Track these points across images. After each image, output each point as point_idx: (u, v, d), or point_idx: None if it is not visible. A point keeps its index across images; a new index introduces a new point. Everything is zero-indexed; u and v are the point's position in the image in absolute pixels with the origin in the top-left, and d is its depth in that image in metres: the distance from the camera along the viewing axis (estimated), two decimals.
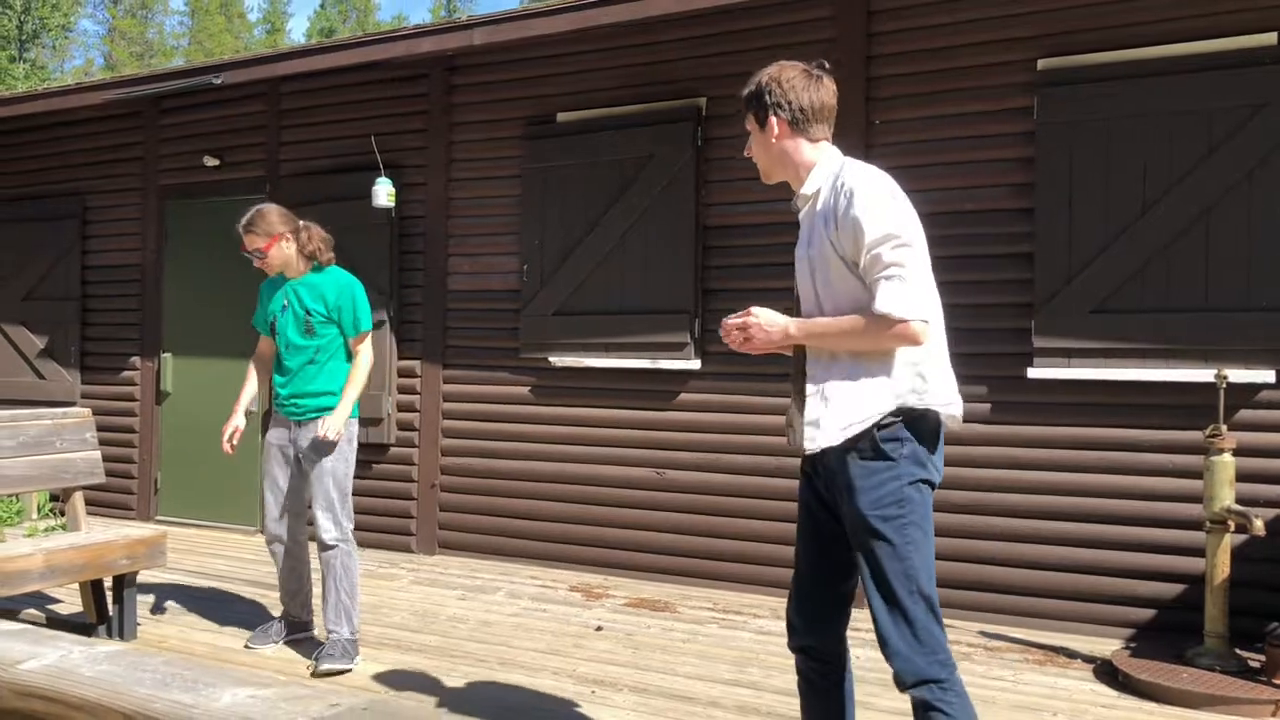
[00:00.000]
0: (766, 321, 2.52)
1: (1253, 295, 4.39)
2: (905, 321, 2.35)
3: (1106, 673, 4.09)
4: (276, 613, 4.63)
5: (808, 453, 2.49)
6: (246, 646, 4.38)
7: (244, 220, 4.32)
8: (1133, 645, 4.39)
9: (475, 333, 6.29)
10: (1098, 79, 4.66)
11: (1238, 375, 4.34)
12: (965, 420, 4.76)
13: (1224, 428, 4.01)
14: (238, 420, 4.40)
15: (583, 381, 5.93)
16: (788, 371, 2.67)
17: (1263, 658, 3.92)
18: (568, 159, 5.94)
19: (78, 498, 4.67)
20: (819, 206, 2.55)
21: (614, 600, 5.26)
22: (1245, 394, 4.42)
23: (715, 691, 3.87)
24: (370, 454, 6.34)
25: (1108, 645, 4.44)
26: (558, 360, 5.94)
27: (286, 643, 4.44)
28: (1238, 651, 3.99)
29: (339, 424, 4.20)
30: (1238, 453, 4.01)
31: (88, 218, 7.80)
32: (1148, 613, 4.57)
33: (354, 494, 4.41)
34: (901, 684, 2.42)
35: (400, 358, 6.47)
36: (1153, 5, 4.63)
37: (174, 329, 7.40)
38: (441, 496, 6.35)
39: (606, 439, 5.84)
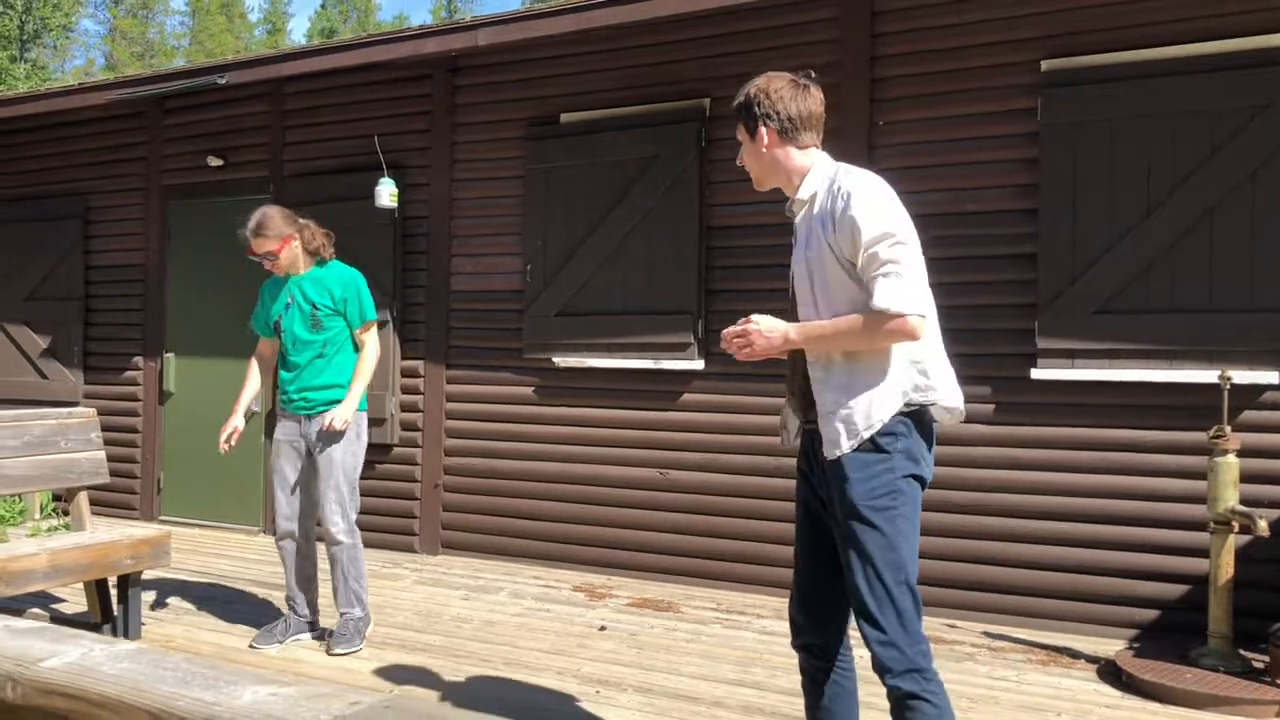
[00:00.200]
0: (767, 328, 2.56)
1: (1256, 296, 4.39)
2: (903, 316, 2.38)
3: (1110, 673, 4.09)
4: (281, 613, 4.64)
5: (828, 462, 2.52)
6: (251, 646, 4.39)
7: (251, 225, 4.37)
8: (1136, 646, 4.39)
9: (478, 333, 6.29)
10: (1101, 80, 4.67)
11: (1241, 376, 4.35)
12: (969, 421, 4.80)
13: (1228, 428, 4.01)
14: (236, 421, 4.44)
15: (586, 382, 5.93)
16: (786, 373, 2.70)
17: (1266, 658, 3.92)
18: (571, 159, 5.94)
19: (82, 498, 4.68)
20: (815, 210, 2.58)
21: (617, 600, 5.26)
22: (1249, 395, 4.43)
23: (719, 691, 3.87)
24: (374, 454, 6.33)
25: (1111, 646, 4.45)
26: (561, 360, 5.95)
27: (292, 642, 4.45)
28: (1241, 652, 3.99)
29: (347, 414, 4.28)
30: (1242, 454, 4.01)
31: (91, 218, 7.81)
32: (1151, 613, 4.57)
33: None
34: (887, 672, 2.45)
35: (404, 358, 6.47)
36: (1156, 6, 4.63)
37: (177, 329, 7.41)
38: (445, 496, 6.36)
39: (610, 439, 5.84)
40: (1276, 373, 4.37)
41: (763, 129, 2.61)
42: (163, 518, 7.35)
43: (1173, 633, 4.45)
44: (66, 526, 6.48)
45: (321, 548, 4.52)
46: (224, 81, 6.68)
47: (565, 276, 5.94)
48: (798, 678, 2.80)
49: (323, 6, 57.58)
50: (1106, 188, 4.66)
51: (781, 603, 5.08)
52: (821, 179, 2.60)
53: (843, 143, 5.15)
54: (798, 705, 3.57)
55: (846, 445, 2.48)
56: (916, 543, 2.51)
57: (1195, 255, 4.50)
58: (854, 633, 2.74)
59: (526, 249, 6.09)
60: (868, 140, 5.13)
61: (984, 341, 4.86)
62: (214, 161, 7.19)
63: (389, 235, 6.44)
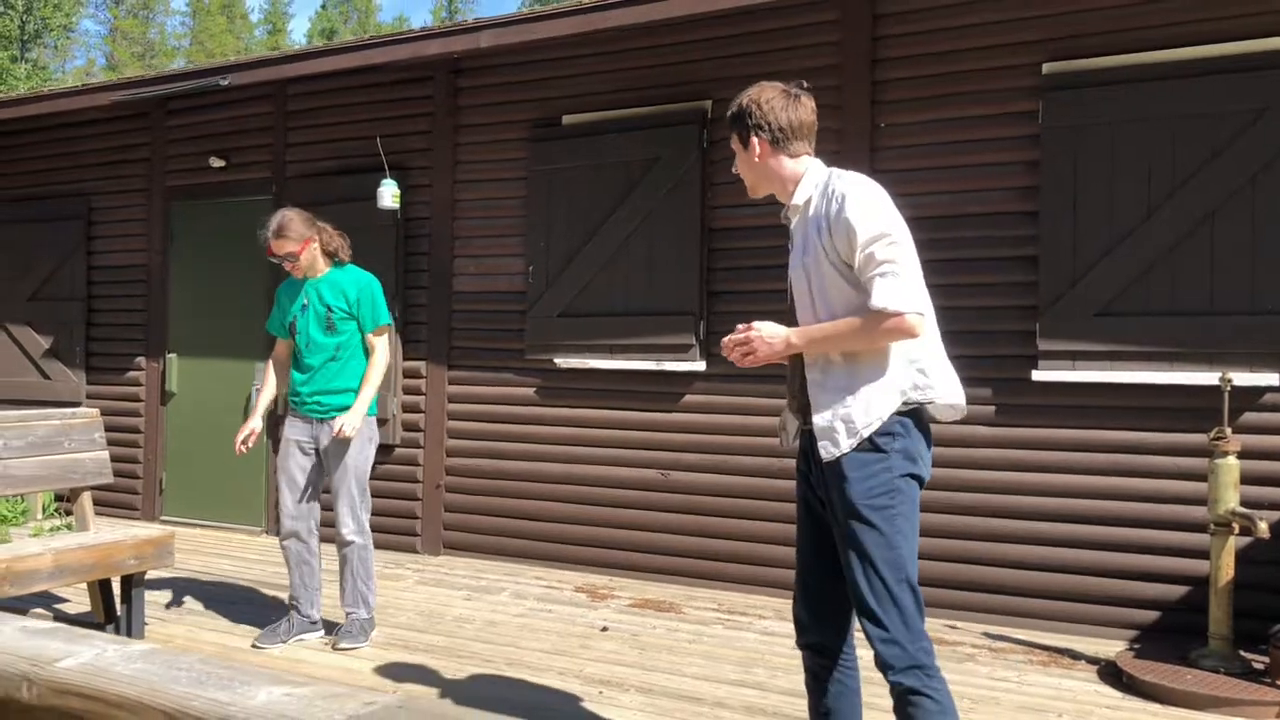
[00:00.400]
0: (768, 334, 2.59)
1: (1257, 298, 4.40)
2: (901, 314, 2.41)
3: (1111, 674, 4.11)
4: (283, 613, 4.65)
5: (825, 460, 2.53)
6: (254, 646, 4.41)
7: (272, 227, 4.42)
8: (1137, 647, 4.40)
9: (480, 334, 6.30)
10: (1102, 83, 4.68)
11: (1242, 378, 4.36)
12: (970, 423, 4.82)
13: (1228, 430, 4.02)
14: (255, 423, 4.48)
15: (588, 383, 5.94)
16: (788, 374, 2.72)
17: (1267, 659, 3.93)
18: (573, 161, 5.96)
19: (86, 498, 4.69)
20: (810, 214, 2.62)
21: (619, 601, 5.27)
22: (1250, 397, 4.44)
23: (721, 692, 3.88)
24: (376, 454, 6.33)
25: (1112, 647, 4.46)
26: (563, 362, 5.96)
27: (295, 642, 4.47)
28: (1242, 653, 4.00)
29: (357, 420, 4.34)
30: (1242, 455, 4.02)
31: (93, 218, 7.82)
32: (1152, 614, 4.58)
33: None
34: (889, 669, 2.47)
35: (405, 359, 6.48)
36: (1156, 10, 4.64)
37: (179, 329, 7.42)
38: (446, 497, 6.37)
39: (611, 440, 5.85)
40: (1277, 375, 4.38)
41: (755, 139, 2.66)
42: (165, 518, 7.36)
43: (1173, 634, 4.46)
44: (69, 526, 6.50)
45: (331, 548, 4.54)
46: (226, 83, 6.70)
47: (567, 278, 5.95)
48: (799, 678, 2.81)
49: (323, 7, 57.59)
50: (1107, 190, 4.67)
51: (783, 603, 5.09)
52: (815, 184, 2.63)
53: (844, 145, 5.17)
54: (799, 706, 3.59)
55: (846, 445, 2.49)
56: (916, 541, 2.54)
57: (1196, 258, 4.51)
58: (858, 632, 2.76)
59: (528, 250, 6.10)
60: (869, 142, 5.14)
61: (985, 343, 4.87)
62: (216, 163, 7.20)
63: (391, 236, 6.46)
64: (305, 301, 4.47)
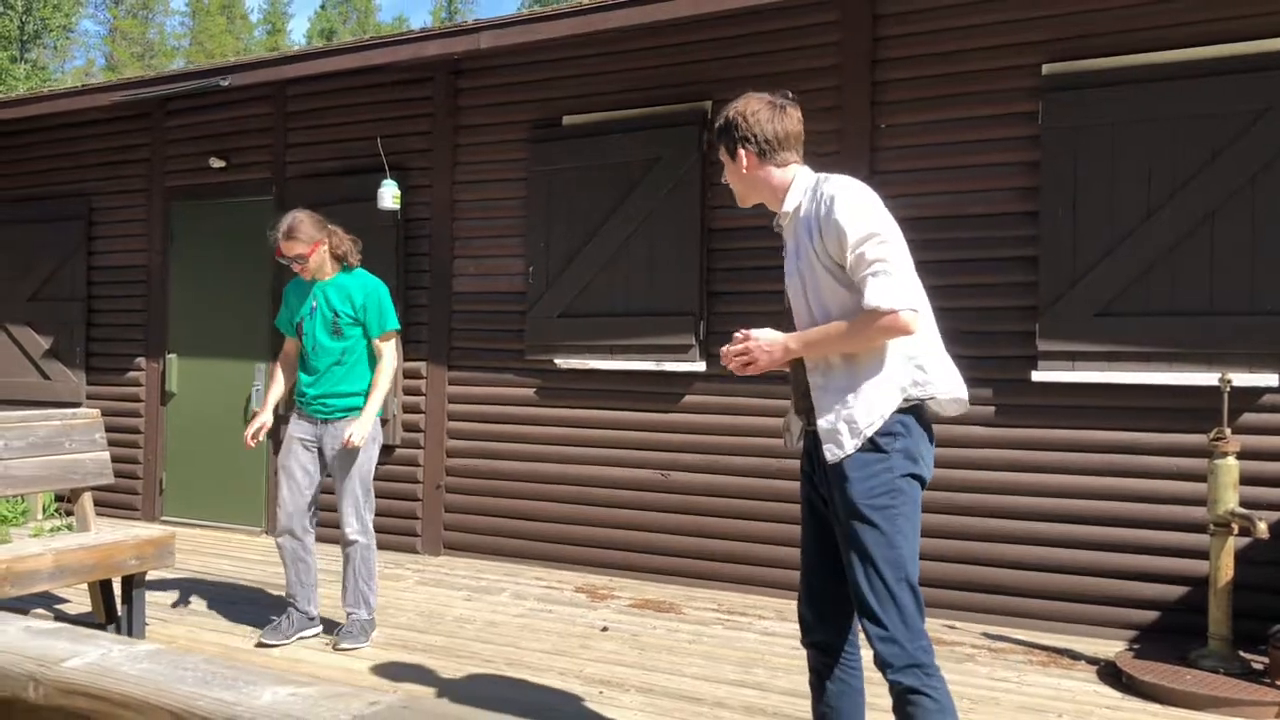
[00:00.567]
0: (767, 341, 2.61)
1: (1256, 299, 4.41)
2: (894, 312, 2.42)
3: (1110, 674, 4.11)
4: (283, 611, 4.65)
5: (829, 462, 2.55)
6: (259, 644, 4.42)
7: (282, 228, 4.43)
8: (1136, 647, 4.41)
9: (480, 334, 6.31)
10: (1102, 84, 4.69)
11: (1241, 379, 4.37)
12: (970, 423, 4.83)
13: (1228, 431, 4.03)
14: (265, 417, 4.53)
15: (587, 383, 5.95)
16: (788, 375, 2.74)
17: (1266, 660, 3.94)
18: (573, 162, 5.96)
19: (86, 498, 4.69)
20: (801, 219, 2.65)
21: (619, 601, 5.28)
22: (1249, 397, 4.44)
23: (721, 692, 3.89)
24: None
25: (1111, 647, 4.46)
26: (563, 362, 5.96)
27: (296, 639, 4.49)
28: (1241, 654, 4.01)
29: (365, 429, 4.37)
30: (1241, 456, 4.03)
31: (93, 219, 7.83)
32: (1151, 615, 4.59)
33: None
34: (888, 667, 2.49)
35: (406, 359, 6.48)
36: (1157, 11, 4.65)
37: (179, 330, 7.43)
38: (446, 497, 6.37)
39: (611, 441, 5.86)
40: (1276, 375, 4.38)
41: (742, 151, 2.69)
42: (164, 518, 7.37)
43: (1172, 634, 4.47)
44: (69, 527, 6.50)
45: (329, 547, 4.55)
46: (227, 83, 6.70)
47: (567, 278, 5.96)
48: (799, 678, 2.83)
49: (322, 7, 57.59)
50: (1107, 191, 4.68)
51: (782, 604, 5.10)
52: (804, 190, 2.67)
53: (844, 146, 5.18)
54: (800, 706, 3.60)
55: (850, 446, 2.51)
56: (917, 541, 2.55)
57: (1196, 258, 4.52)
58: (861, 632, 2.77)
59: (529, 251, 6.11)
60: (869, 143, 5.15)
61: (985, 344, 4.88)
62: (216, 163, 7.21)
63: (391, 237, 6.46)
64: (313, 304, 4.50)
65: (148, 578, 4.61)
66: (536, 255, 6.07)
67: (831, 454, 2.54)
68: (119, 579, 4.44)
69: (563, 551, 5.96)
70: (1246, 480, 4.12)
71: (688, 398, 5.66)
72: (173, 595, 5.27)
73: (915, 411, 2.54)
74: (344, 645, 4.38)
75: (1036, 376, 4.79)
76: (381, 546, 6.31)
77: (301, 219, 4.44)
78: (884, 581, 2.48)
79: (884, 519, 2.49)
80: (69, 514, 6.98)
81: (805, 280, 2.61)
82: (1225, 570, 4.00)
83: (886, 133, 5.17)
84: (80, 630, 1.22)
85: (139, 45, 48.80)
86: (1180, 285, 4.54)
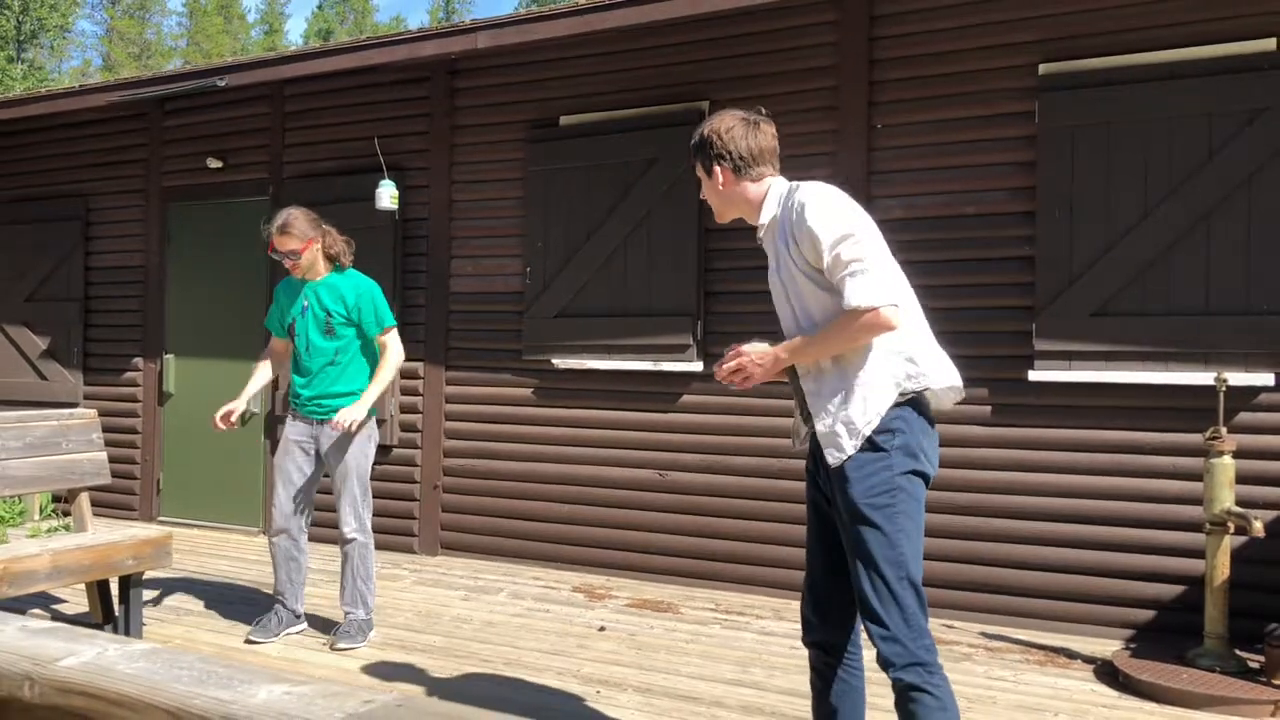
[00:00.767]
0: (758, 354, 2.65)
1: (1252, 298, 4.42)
2: (875, 309, 2.44)
3: (1107, 673, 4.12)
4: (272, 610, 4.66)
5: (831, 466, 2.56)
6: (247, 641, 4.44)
7: (276, 223, 4.42)
8: (1133, 646, 4.42)
9: (478, 334, 6.31)
10: (1099, 84, 4.70)
11: (1237, 378, 4.38)
12: (967, 422, 4.84)
13: (1224, 430, 4.03)
14: (236, 404, 4.47)
15: (585, 383, 5.95)
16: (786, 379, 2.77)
17: (1262, 658, 3.95)
18: (571, 162, 5.96)
19: (84, 498, 4.69)
20: (777, 229, 2.69)
21: (617, 601, 5.28)
22: (1245, 397, 4.45)
23: (719, 691, 3.89)
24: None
25: (1108, 646, 4.47)
26: (560, 362, 5.96)
27: (284, 635, 4.53)
28: (1237, 652, 4.02)
29: (359, 413, 4.34)
30: (1237, 455, 4.04)
31: (91, 219, 7.82)
32: (1148, 614, 4.60)
33: None
34: (890, 666, 2.50)
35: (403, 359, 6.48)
36: (1153, 11, 4.66)
37: (176, 330, 7.42)
38: (444, 497, 6.37)
39: (609, 441, 5.86)
40: (1272, 375, 4.39)
41: (718, 168, 2.74)
42: (162, 518, 7.36)
43: (1169, 633, 4.48)
44: (66, 527, 6.49)
45: (321, 546, 4.55)
46: (224, 83, 6.70)
47: (564, 278, 5.96)
48: (797, 677, 2.84)
49: (320, 7, 57.56)
50: (1103, 191, 4.69)
51: (780, 604, 5.11)
52: (777, 199, 2.71)
53: (841, 146, 5.18)
54: (797, 705, 3.60)
55: (850, 447, 2.52)
56: (920, 539, 2.56)
57: (1191, 258, 4.53)
58: (864, 633, 2.78)
59: (526, 251, 6.11)
60: (866, 143, 5.15)
61: (982, 343, 4.88)
62: (214, 163, 7.20)
63: (389, 237, 6.46)
64: (305, 304, 4.48)
65: (145, 578, 4.61)
66: (534, 255, 6.07)
67: (833, 458, 2.55)
68: (116, 579, 4.43)
69: (560, 551, 5.96)
70: (1242, 479, 4.13)
71: (685, 398, 5.67)
72: (170, 595, 5.27)
73: (913, 405, 2.55)
74: (341, 645, 4.38)
75: (1033, 376, 4.80)
76: (379, 547, 6.30)
77: (296, 215, 4.43)
78: (885, 581, 2.50)
79: (884, 518, 2.50)
80: (66, 514, 6.97)
81: (788, 289, 2.65)
82: (1222, 569, 4.01)
83: (883, 133, 5.17)
84: (76, 629, 1.22)
85: (136, 45, 48.76)
86: (1176, 285, 4.55)
